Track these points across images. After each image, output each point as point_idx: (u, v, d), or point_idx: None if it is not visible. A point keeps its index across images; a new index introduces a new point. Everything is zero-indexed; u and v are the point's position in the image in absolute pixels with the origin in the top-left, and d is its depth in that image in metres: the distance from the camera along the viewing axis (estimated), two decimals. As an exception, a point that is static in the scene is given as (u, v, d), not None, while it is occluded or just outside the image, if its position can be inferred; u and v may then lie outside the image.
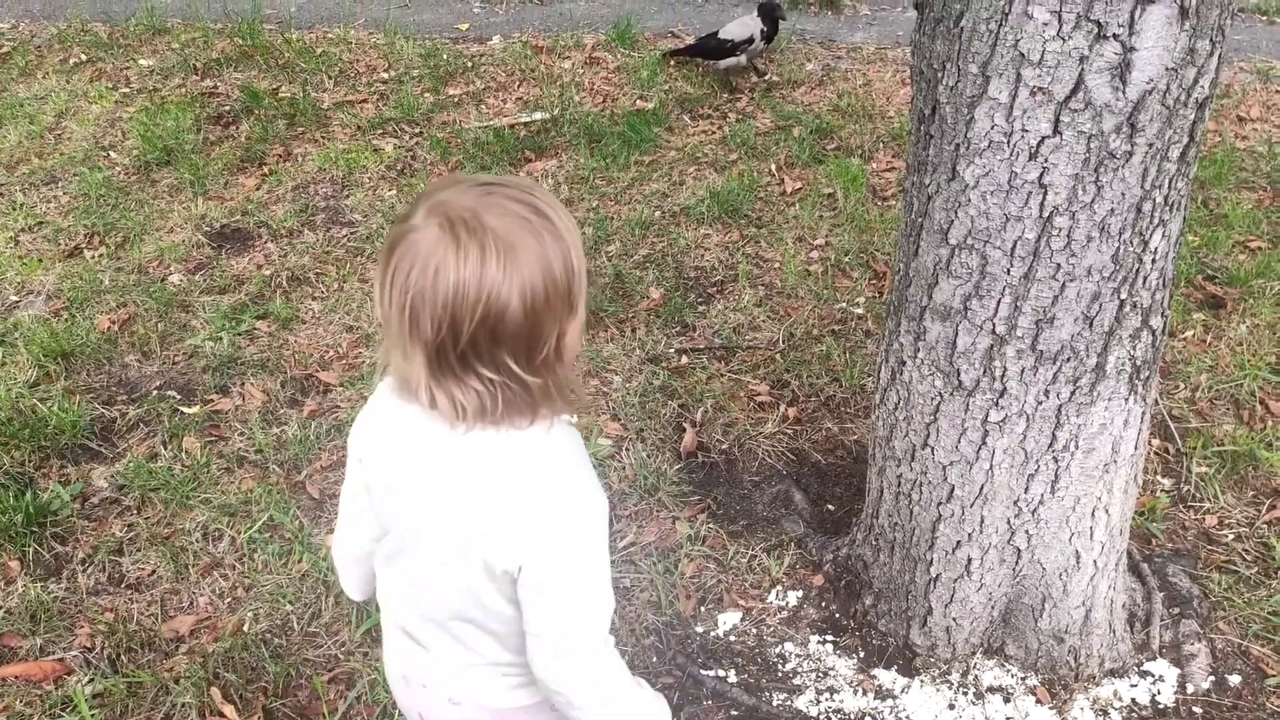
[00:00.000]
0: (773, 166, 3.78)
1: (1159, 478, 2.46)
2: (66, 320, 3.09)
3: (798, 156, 3.81)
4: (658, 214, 3.55)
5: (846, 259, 3.28)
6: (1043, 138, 1.43)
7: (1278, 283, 3.04)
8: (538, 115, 4.20)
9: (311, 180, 3.83)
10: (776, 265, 3.28)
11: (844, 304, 3.09)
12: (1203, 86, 1.40)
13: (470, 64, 4.65)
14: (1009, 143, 1.46)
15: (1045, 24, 1.35)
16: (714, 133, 4.02)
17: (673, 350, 2.95)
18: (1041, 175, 1.46)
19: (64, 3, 5.42)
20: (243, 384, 2.84)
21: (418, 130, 4.14)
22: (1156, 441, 2.53)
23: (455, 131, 4.11)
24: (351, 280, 3.28)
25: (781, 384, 2.80)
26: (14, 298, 3.22)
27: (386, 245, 1.04)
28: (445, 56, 4.71)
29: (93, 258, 3.40)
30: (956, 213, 1.56)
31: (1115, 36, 1.33)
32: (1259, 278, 3.06)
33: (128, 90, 4.47)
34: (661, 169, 3.80)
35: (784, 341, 2.95)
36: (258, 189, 3.80)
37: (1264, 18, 4.92)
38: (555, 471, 1.09)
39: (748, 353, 2.92)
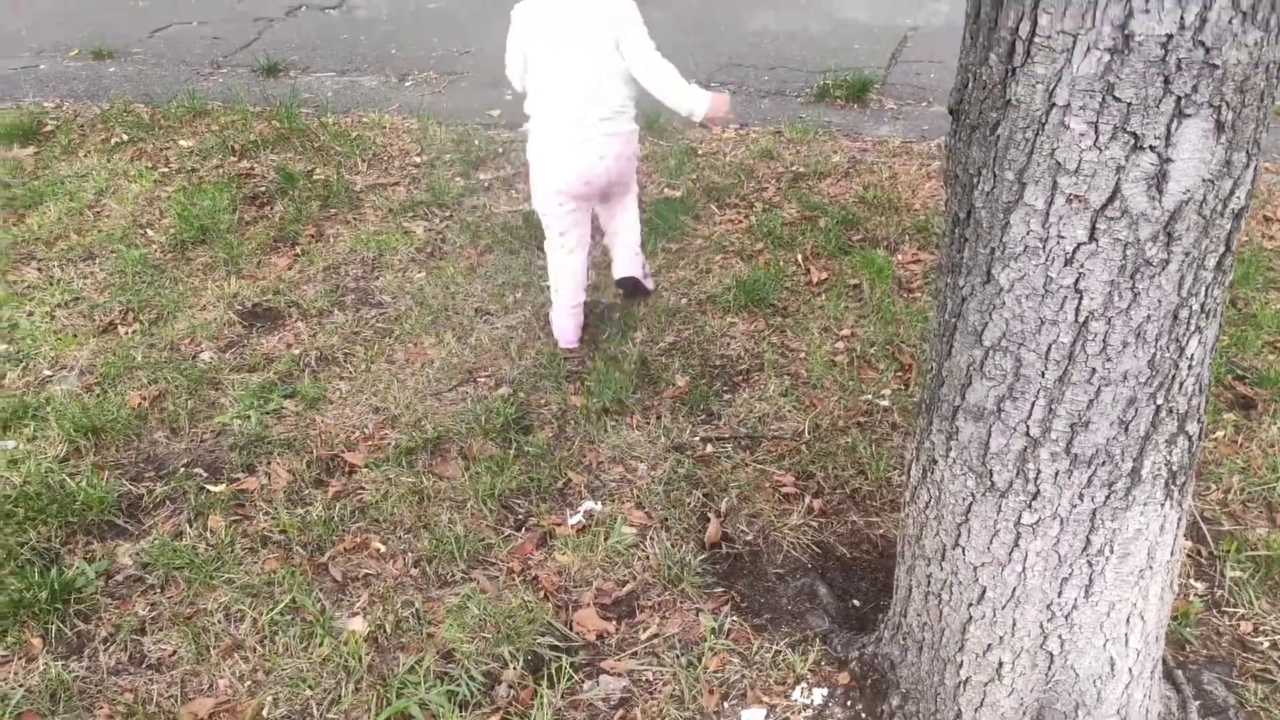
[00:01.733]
0: (799, 256, 3.82)
1: (1192, 581, 2.42)
2: (98, 395, 3.12)
3: (824, 247, 3.84)
4: (684, 301, 3.58)
5: (872, 350, 3.29)
6: (1079, 244, 1.44)
7: (1308, 383, 3.03)
8: (567, 201, 4.25)
9: (343, 261, 3.89)
10: (802, 355, 3.29)
11: (870, 396, 3.09)
12: (1239, 197, 1.42)
13: (501, 149, 4.74)
14: (1045, 248, 1.47)
15: (1082, 134, 1.38)
16: (740, 222, 4.07)
17: (698, 439, 2.94)
18: (1077, 281, 1.47)
19: (109, 84, 5.59)
20: (269, 463, 2.85)
21: (448, 214, 4.21)
22: (1189, 543, 2.49)
23: (485, 215, 4.17)
24: (379, 361, 3.31)
25: (807, 475, 2.79)
26: (48, 372, 3.26)
27: None
28: (477, 142, 4.80)
29: (126, 334, 3.45)
30: (991, 315, 1.57)
31: (1152, 148, 1.35)
32: (1288, 378, 3.05)
33: (167, 170, 4.57)
34: (689, 256, 3.84)
35: (809, 432, 2.94)
36: (290, 269, 3.85)
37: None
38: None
39: (773, 443, 2.91)
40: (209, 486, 2.75)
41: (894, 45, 5.67)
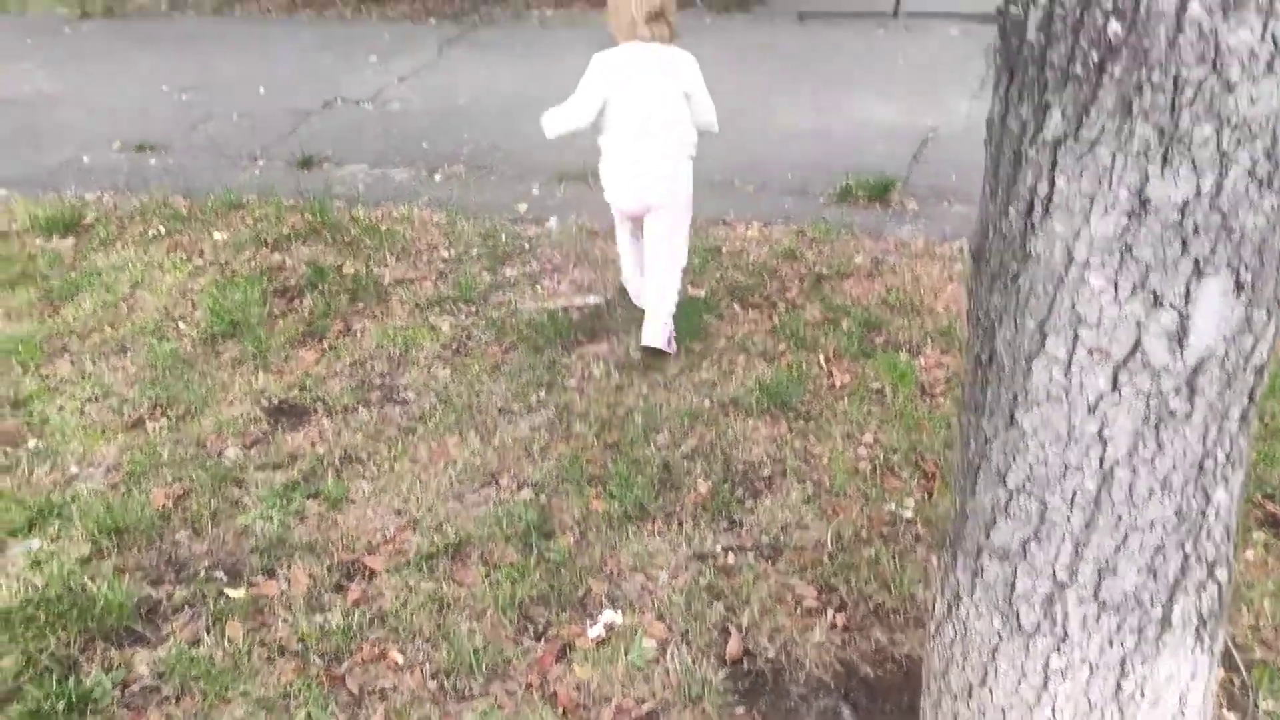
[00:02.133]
0: (821, 358, 3.83)
1: (1225, 711, 2.37)
2: (123, 494, 3.15)
3: (846, 349, 3.86)
4: (706, 403, 3.59)
5: (895, 458, 3.28)
6: (1101, 394, 1.45)
7: (1338, 501, 2.99)
8: (591, 299, 4.31)
9: (369, 356, 3.93)
10: (824, 461, 3.29)
11: (893, 506, 3.07)
12: (1261, 353, 1.42)
13: (527, 245, 4.82)
14: (1067, 396, 1.48)
15: (1101, 290, 1.39)
16: (764, 322, 4.10)
17: (719, 547, 2.93)
18: (1101, 429, 1.47)
19: (149, 176, 5.74)
20: (289, 566, 2.86)
21: (474, 310, 4.26)
22: (1221, 672, 2.44)
23: (510, 311, 4.22)
24: (403, 461, 3.32)
25: (829, 588, 2.76)
26: (75, 469, 3.29)
27: None
28: (504, 237, 4.88)
29: (154, 430, 3.49)
30: (1015, 458, 1.57)
31: (1172, 305, 1.37)
32: (1318, 495, 3.01)
33: (200, 262, 4.67)
34: (711, 357, 3.86)
35: (832, 543, 2.92)
36: (317, 363, 3.90)
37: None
38: (686, 55, 3.67)
39: (795, 553, 2.89)
40: (228, 591, 2.76)
41: (915, 146, 5.75)
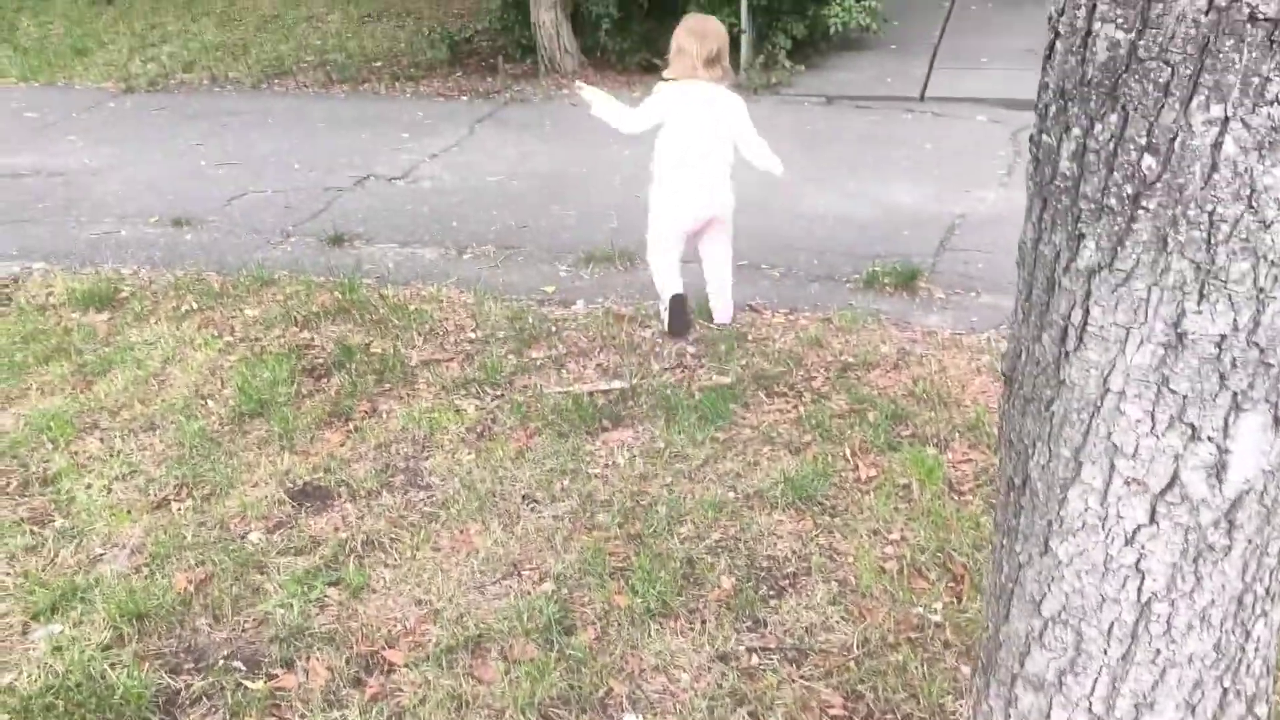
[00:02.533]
0: (847, 451, 3.80)
1: (1265, 838, 2.28)
2: (146, 577, 3.14)
3: (873, 442, 3.83)
4: (731, 495, 3.57)
5: (923, 558, 3.23)
6: (1139, 525, 1.43)
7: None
8: (616, 384, 4.32)
9: (394, 439, 3.94)
10: (850, 559, 3.25)
11: (921, 609, 3.02)
12: (1301, 489, 1.40)
13: (554, 328, 4.84)
14: (1104, 526, 1.46)
15: (1138, 420, 1.38)
16: (789, 411, 4.08)
17: (743, 648, 2.89)
18: (1139, 561, 1.45)
19: (184, 251, 5.84)
20: (308, 658, 2.83)
21: (499, 393, 4.28)
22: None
23: (536, 395, 4.23)
24: (425, 548, 3.31)
25: (856, 695, 2.71)
26: (99, 550, 3.30)
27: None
28: (530, 319, 4.91)
29: (179, 510, 3.50)
30: (1050, 586, 1.54)
31: (1210, 439, 1.35)
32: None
33: (231, 339, 4.72)
34: (736, 447, 3.85)
35: (858, 647, 2.87)
36: (342, 445, 3.91)
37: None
38: (735, 97, 4.46)
39: (820, 656, 2.85)
40: (247, 683, 2.73)
41: (942, 233, 5.77)
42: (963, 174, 6.72)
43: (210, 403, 4.20)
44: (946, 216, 6.03)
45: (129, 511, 3.49)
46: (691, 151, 4.46)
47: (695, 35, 4.41)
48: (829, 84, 9.01)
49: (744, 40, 8.93)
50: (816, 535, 3.36)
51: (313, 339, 4.73)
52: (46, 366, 4.48)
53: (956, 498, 3.54)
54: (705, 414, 4.02)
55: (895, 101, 8.47)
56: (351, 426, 4.04)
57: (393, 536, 3.38)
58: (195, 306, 5.04)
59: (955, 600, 3.05)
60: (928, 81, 8.83)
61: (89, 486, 3.64)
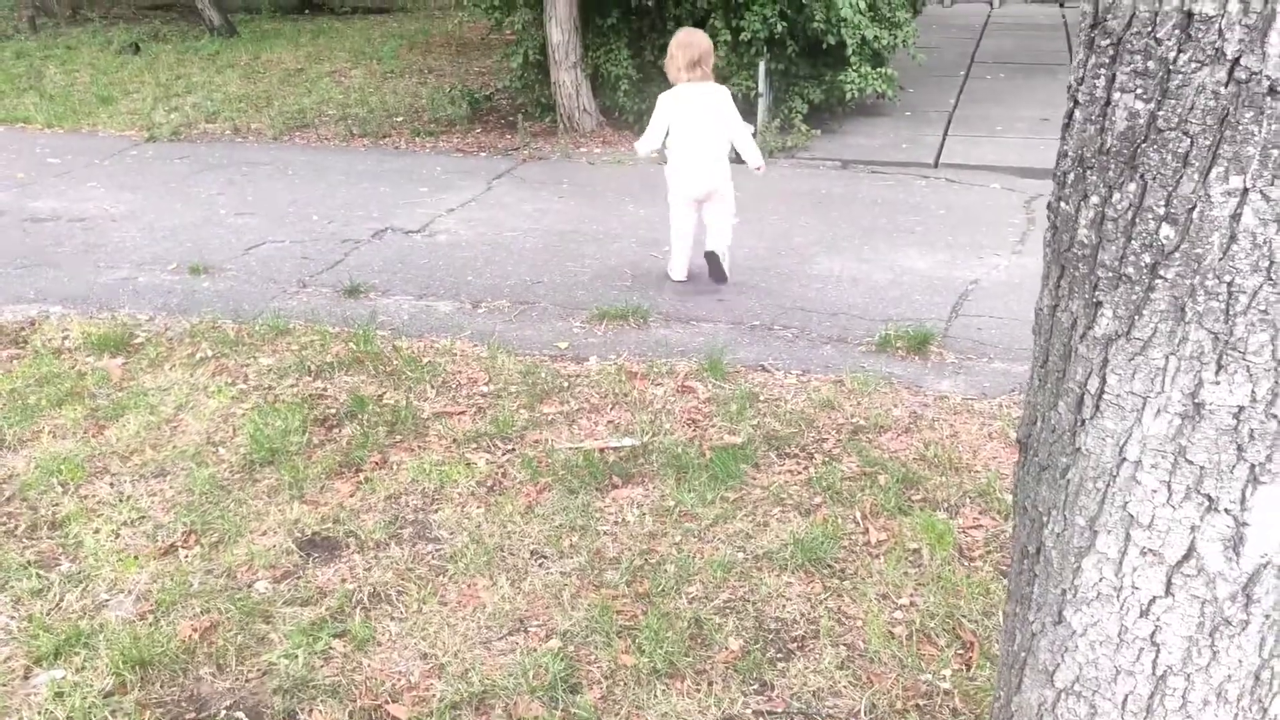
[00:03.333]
0: (858, 514, 3.78)
1: None
2: (151, 624, 3.13)
3: (883, 506, 3.81)
4: (740, 555, 3.54)
5: (933, 623, 3.20)
6: (1154, 597, 1.42)
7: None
8: (627, 441, 4.31)
9: (404, 491, 3.94)
10: (859, 624, 3.21)
11: (929, 676, 2.98)
12: (1320, 564, 1.39)
13: (566, 384, 4.85)
14: (1119, 596, 1.44)
15: (1155, 491, 1.37)
16: (800, 473, 4.07)
17: (749, 711, 2.85)
18: (1154, 633, 1.43)
19: (201, 299, 5.89)
20: (311, 710, 2.81)
21: (510, 447, 4.28)
22: None
23: (547, 451, 4.23)
24: (431, 602, 3.29)
25: (863, 763, 2.66)
26: (105, 596, 3.29)
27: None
28: (543, 374, 4.93)
29: (186, 557, 3.49)
30: (1063, 657, 1.53)
31: (1227, 510, 1.35)
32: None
33: (244, 387, 4.74)
34: (746, 507, 3.83)
35: (866, 713, 2.83)
36: (352, 496, 3.91)
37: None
38: (721, 89, 5.69)
39: (828, 722, 2.80)
40: (249, 734, 2.71)
41: (954, 298, 5.79)
42: (976, 240, 6.75)
43: (221, 450, 4.21)
44: (959, 282, 6.05)
45: (136, 557, 3.49)
46: (689, 140, 5.67)
47: (681, 45, 5.61)
48: (845, 149, 9.10)
49: (761, 104, 9.04)
50: (825, 598, 3.33)
51: (326, 389, 4.75)
52: (59, 410, 4.51)
53: (967, 564, 3.51)
54: (716, 473, 4.00)
55: (910, 167, 8.55)
56: (362, 477, 4.04)
57: (400, 589, 3.36)
58: (210, 354, 5.07)
59: (964, 668, 3.01)
60: (942, 148, 8.91)
61: (97, 531, 3.63)
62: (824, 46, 9.06)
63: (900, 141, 9.24)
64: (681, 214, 5.93)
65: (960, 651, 3.09)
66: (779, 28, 8.83)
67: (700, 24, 8.79)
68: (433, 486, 3.97)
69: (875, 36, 9.15)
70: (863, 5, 8.97)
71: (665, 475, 4.03)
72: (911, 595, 3.35)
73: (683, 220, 5.95)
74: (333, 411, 4.55)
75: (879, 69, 9.42)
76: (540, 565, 3.50)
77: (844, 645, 3.12)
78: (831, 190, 8.05)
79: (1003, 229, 6.98)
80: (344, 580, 3.41)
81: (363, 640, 3.10)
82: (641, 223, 7.15)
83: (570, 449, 4.25)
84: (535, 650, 3.07)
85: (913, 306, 5.71)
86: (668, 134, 5.68)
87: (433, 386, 4.79)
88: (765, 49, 9.02)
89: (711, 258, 5.95)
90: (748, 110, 9.25)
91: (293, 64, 13.33)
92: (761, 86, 9.01)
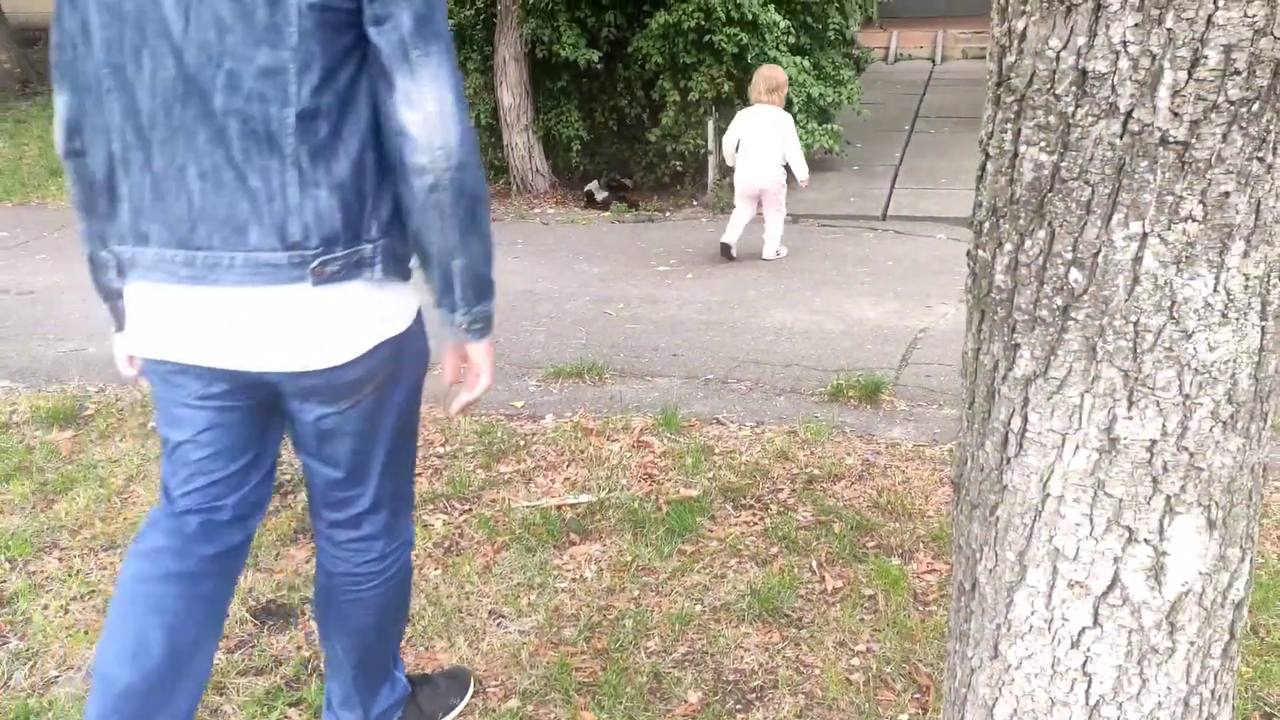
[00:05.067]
0: (813, 563, 3.81)
1: None
2: (100, 699, 3.06)
3: (838, 554, 3.85)
4: (698, 608, 3.55)
5: (889, 669, 3.22)
6: (1083, 628, 1.46)
7: (1343, 721, 2.92)
8: (584, 498, 4.32)
9: (360, 555, 3.90)
10: (817, 672, 3.23)
11: (888, 721, 3.00)
12: (1237, 589, 1.44)
13: (523, 441, 4.86)
14: (1050, 629, 1.49)
15: (1078, 524, 1.42)
16: (755, 524, 4.10)
17: (710, 764, 2.84)
18: (1085, 664, 1.47)
19: (152, 367, 5.84)
20: (266, 782, 2.76)
21: (467, 507, 4.27)
22: None
23: (504, 510, 4.23)
24: (388, 667, 3.25)
25: (824, 812, 2.66)
26: (54, 672, 3.22)
27: None
28: (499, 433, 4.94)
29: (137, 630, 3.43)
30: (1001, 690, 1.56)
31: (1147, 541, 1.40)
32: (1322, 714, 2.95)
33: (197, 455, 4.69)
34: (703, 560, 3.85)
35: (826, 761, 2.84)
36: (308, 561, 3.87)
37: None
38: (786, 116, 7.95)
39: (788, 772, 2.80)
40: (201, 809, 2.66)
41: (904, 347, 5.90)
42: (924, 290, 6.89)
43: (174, 520, 4.15)
44: (909, 331, 6.16)
45: (86, 632, 3.43)
46: (749, 147, 7.55)
47: (764, 76, 7.60)
48: (795, 204, 9.27)
49: (710, 161, 9.22)
50: (783, 648, 3.35)
51: (280, 454, 4.71)
52: (7, 485, 4.44)
53: (921, 608, 3.54)
54: (672, 527, 4.02)
55: (859, 220, 8.73)
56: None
57: (355, 655, 3.32)
58: (162, 423, 5.02)
59: (921, 711, 3.03)
60: (889, 201, 9.12)
61: (45, 607, 3.57)
62: (771, 105, 9.28)
63: (849, 195, 9.44)
64: (741, 205, 7.82)
65: (917, 695, 3.12)
66: (725, 88, 9.04)
67: (649, 86, 8.99)
68: (389, 550, 3.94)
69: (820, 94, 9.38)
70: (807, 64, 9.21)
71: (622, 530, 4.05)
72: (868, 642, 3.37)
73: (742, 210, 7.82)
74: (287, 478, 4.51)
75: (825, 125, 9.65)
76: (498, 624, 3.49)
77: (803, 694, 3.13)
78: (784, 244, 8.19)
79: (949, 278, 7.13)
80: (299, 647, 3.37)
81: (318, 708, 3.06)
82: (595, 280, 7.22)
83: (528, 507, 4.25)
84: (494, 710, 3.05)
85: (864, 356, 5.81)
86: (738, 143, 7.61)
87: (388, 449, 4.77)
88: (714, 108, 9.22)
89: (725, 248, 7.86)
90: (698, 168, 9.43)
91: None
92: (710, 145, 9.20)
